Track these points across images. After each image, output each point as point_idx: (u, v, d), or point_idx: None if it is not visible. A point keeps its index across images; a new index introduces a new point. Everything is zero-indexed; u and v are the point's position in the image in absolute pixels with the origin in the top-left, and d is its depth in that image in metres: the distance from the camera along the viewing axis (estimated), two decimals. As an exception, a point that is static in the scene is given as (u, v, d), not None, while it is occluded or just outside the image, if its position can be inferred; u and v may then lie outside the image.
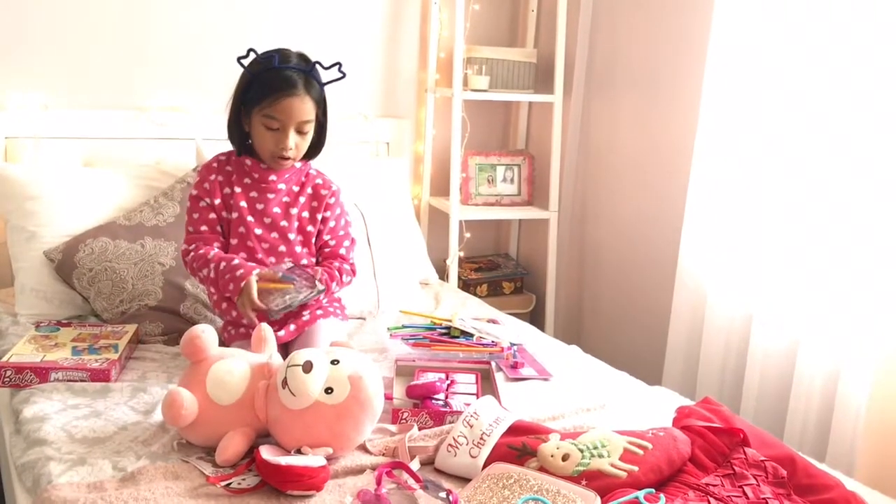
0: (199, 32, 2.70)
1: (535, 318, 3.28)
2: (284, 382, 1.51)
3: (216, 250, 1.98)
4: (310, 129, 1.97)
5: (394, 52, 3.07)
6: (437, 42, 3.09)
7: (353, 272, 2.09)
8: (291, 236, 2.05)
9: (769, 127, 2.31)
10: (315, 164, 2.13)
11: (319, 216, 2.08)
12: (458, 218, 3.03)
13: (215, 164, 2.06)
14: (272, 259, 2.03)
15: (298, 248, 2.06)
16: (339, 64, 1.96)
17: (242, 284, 1.86)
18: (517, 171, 3.23)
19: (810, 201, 2.21)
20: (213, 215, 2.02)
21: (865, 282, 2.06)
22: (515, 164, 3.23)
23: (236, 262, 1.93)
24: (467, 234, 3.15)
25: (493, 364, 2.03)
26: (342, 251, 2.09)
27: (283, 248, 2.04)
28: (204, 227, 2.01)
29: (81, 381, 1.83)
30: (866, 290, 2.06)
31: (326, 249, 2.09)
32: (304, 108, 1.92)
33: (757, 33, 2.32)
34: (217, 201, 2.02)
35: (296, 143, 1.95)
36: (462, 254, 3.13)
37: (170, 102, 2.67)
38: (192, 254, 1.99)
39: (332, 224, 2.10)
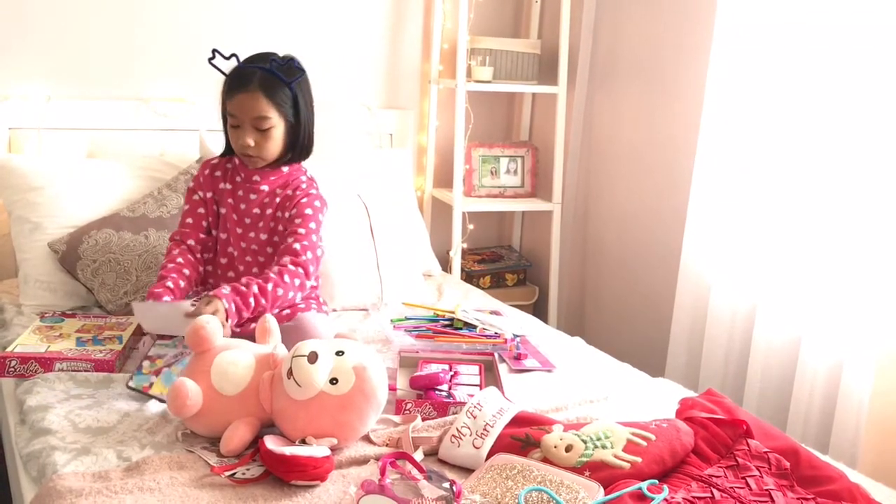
0: (202, 22, 2.69)
1: (538, 309, 3.28)
2: (290, 373, 1.52)
3: (175, 252, 2.02)
4: (268, 127, 1.94)
5: (397, 44, 3.06)
6: (440, 33, 3.08)
7: (306, 275, 1.94)
8: (263, 237, 2.05)
9: (773, 120, 2.31)
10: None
11: (287, 214, 2.02)
12: (462, 209, 3.03)
13: (215, 161, 2.12)
14: (248, 258, 2.06)
15: (270, 250, 2.06)
16: (293, 59, 1.97)
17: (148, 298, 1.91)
18: (520, 163, 3.22)
19: (814, 194, 2.21)
20: (202, 209, 2.08)
21: (869, 275, 2.06)
22: (519, 155, 3.22)
23: (162, 273, 1.97)
24: (470, 226, 3.14)
25: (497, 355, 2.03)
26: (296, 246, 1.95)
27: (255, 246, 2.06)
28: (189, 220, 2.08)
29: (85, 371, 1.83)
30: (870, 283, 2.06)
31: (282, 245, 1.99)
32: (256, 104, 1.92)
33: (761, 25, 2.32)
34: (209, 194, 2.07)
35: (255, 141, 1.95)
36: (465, 245, 3.13)
37: (173, 93, 2.67)
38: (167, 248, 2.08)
39: (297, 221, 1.99)
